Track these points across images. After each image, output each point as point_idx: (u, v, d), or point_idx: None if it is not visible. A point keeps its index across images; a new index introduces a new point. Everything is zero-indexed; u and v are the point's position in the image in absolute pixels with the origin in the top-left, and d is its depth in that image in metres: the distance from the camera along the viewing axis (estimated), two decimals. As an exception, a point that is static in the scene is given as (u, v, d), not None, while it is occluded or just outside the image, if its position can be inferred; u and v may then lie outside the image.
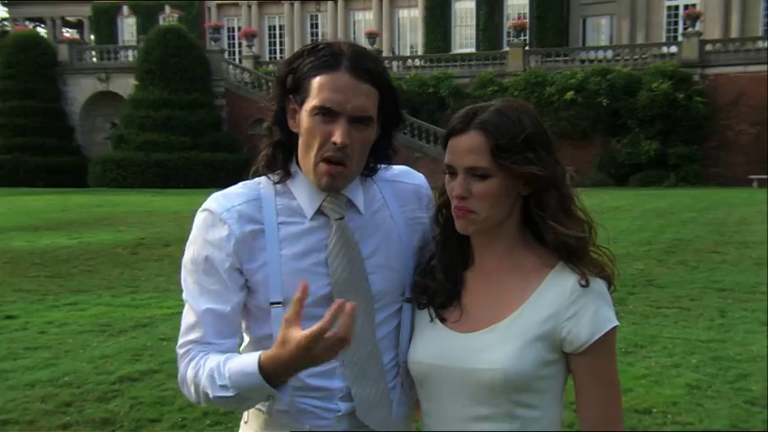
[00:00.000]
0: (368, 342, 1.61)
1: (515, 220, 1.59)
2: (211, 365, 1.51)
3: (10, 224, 15.40)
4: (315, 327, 1.32)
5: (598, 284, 1.53)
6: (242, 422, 1.72)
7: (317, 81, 1.53)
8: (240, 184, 1.68)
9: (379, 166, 1.70)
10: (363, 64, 1.54)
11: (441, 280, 1.62)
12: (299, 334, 1.35)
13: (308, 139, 1.55)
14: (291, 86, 1.58)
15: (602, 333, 1.50)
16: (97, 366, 5.57)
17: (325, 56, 1.54)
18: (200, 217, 1.63)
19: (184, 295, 1.63)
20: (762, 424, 4.40)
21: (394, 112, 1.63)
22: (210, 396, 1.50)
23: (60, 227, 14.98)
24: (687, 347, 5.97)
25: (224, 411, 4.59)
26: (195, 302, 1.60)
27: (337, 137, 1.51)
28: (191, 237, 1.64)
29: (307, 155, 1.57)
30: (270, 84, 30.43)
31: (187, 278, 1.63)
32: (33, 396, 4.91)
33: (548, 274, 1.55)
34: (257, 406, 1.65)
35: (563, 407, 1.62)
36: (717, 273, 9.28)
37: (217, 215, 1.60)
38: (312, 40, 42.99)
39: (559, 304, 1.51)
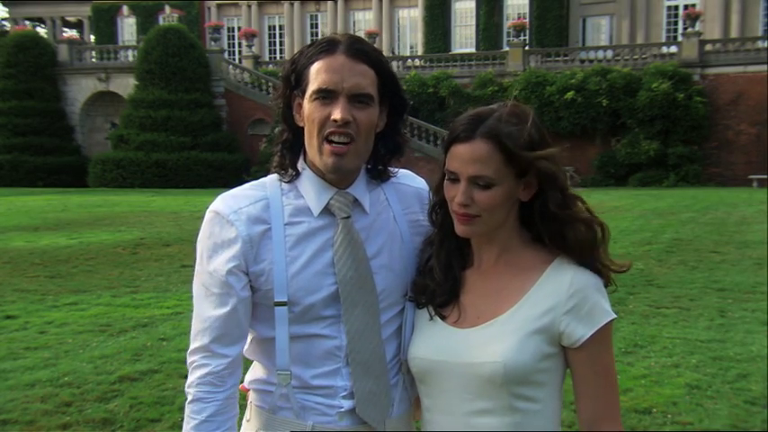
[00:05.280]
0: (372, 339, 1.62)
1: (513, 222, 1.61)
2: None
3: (10, 224, 15.40)
4: None
5: (594, 279, 1.56)
6: (244, 420, 1.73)
7: (314, 67, 1.56)
8: (247, 185, 1.69)
9: (391, 171, 1.72)
10: (359, 46, 1.57)
11: (439, 279, 1.64)
12: None
13: (310, 124, 1.57)
14: (294, 82, 1.60)
15: (600, 326, 1.53)
16: (97, 366, 5.57)
17: (322, 43, 1.58)
18: (207, 218, 1.64)
19: (193, 298, 1.65)
20: (762, 424, 4.40)
21: (396, 97, 1.64)
22: None
23: (60, 227, 14.98)
24: (687, 347, 5.97)
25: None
26: (199, 306, 1.63)
27: (337, 113, 1.52)
28: (199, 236, 1.65)
29: (311, 140, 1.58)
30: (270, 84, 30.54)
31: (195, 280, 1.65)
32: (33, 396, 4.91)
33: (545, 270, 1.58)
34: (259, 403, 1.67)
35: (562, 401, 1.63)
36: (717, 273, 9.28)
37: (224, 217, 1.61)
38: (312, 40, 43.65)
39: (557, 298, 1.54)
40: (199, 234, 1.65)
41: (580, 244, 1.55)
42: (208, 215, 1.64)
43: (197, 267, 1.64)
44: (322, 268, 1.60)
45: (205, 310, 1.61)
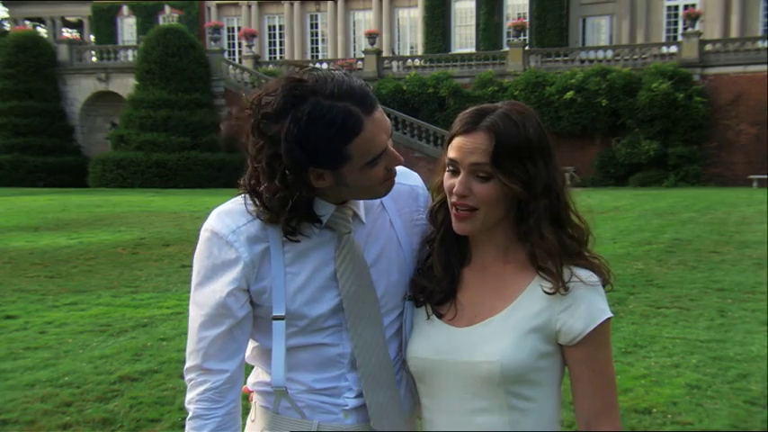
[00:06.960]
0: (379, 351, 1.62)
1: (511, 220, 1.61)
2: None
3: (10, 224, 15.39)
4: None
5: (591, 278, 1.56)
6: (248, 420, 1.73)
7: (360, 141, 1.48)
8: (241, 198, 1.61)
9: None
10: (368, 92, 1.51)
11: (438, 278, 1.64)
12: None
13: (369, 184, 1.55)
14: (317, 160, 1.49)
15: (597, 324, 1.53)
16: (97, 366, 5.57)
17: (346, 121, 1.46)
18: (204, 237, 1.59)
19: (189, 314, 1.63)
20: (762, 424, 4.40)
21: None
22: None
23: (60, 227, 14.98)
24: (687, 347, 5.97)
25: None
26: (194, 325, 1.60)
27: (395, 162, 1.56)
28: (196, 253, 1.61)
29: (367, 190, 1.58)
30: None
31: (192, 298, 1.62)
32: (33, 396, 4.91)
33: None
34: (263, 404, 1.67)
35: (561, 400, 1.63)
36: (717, 273, 9.27)
37: (223, 238, 1.56)
38: (312, 39, 42.53)
39: (554, 297, 1.53)
40: (195, 252, 1.61)
41: (555, 249, 1.56)
42: (204, 234, 1.59)
43: (193, 285, 1.61)
44: (323, 282, 1.59)
45: (200, 330, 1.58)
